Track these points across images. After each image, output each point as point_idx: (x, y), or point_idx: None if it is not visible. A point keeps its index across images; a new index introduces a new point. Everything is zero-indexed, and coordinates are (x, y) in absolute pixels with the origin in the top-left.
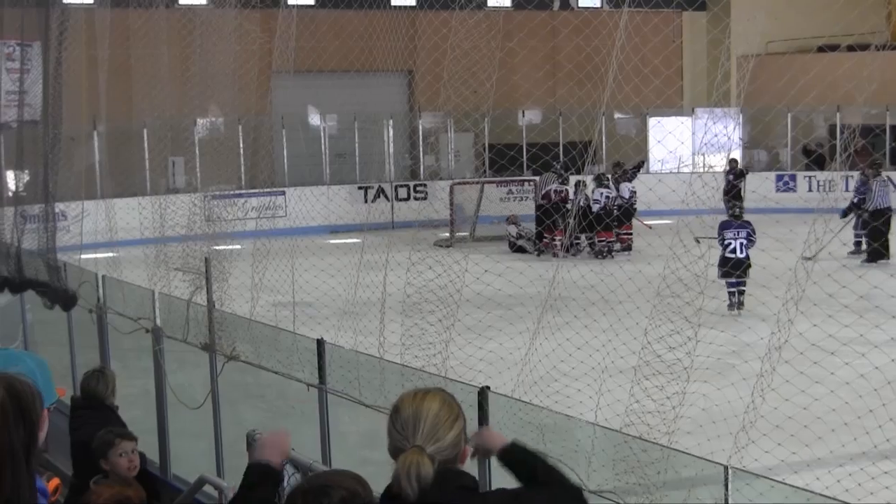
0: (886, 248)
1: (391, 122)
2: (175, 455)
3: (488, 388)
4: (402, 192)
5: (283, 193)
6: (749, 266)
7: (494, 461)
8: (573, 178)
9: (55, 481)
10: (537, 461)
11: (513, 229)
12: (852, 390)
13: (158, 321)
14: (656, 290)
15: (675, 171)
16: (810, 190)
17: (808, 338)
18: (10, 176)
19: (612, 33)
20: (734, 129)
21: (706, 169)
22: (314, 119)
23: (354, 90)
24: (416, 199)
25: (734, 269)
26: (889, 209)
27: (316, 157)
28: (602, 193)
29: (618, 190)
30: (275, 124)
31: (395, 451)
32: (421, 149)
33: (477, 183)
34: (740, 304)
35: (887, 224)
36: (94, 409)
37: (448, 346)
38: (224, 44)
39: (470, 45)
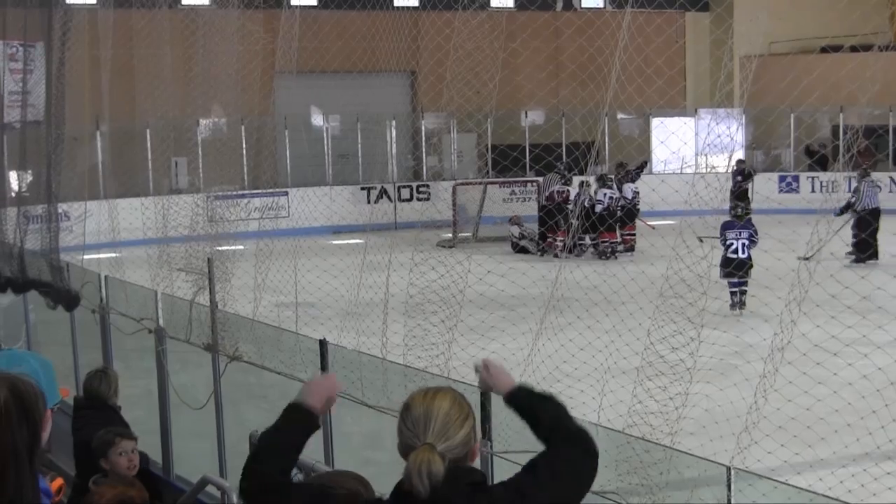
0: (875, 247)
1: (394, 122)
2: (178, 455)
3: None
4: (405, 193)
5: (286, 194)
6: (751, 266)
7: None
8: (576, 179)
9: (59, 481)
10: (543, 407)
11: (515, 230)
12: (855, 391)
13: (161, 322)
14: (659, 291)
15: (678, 171)
16: (813, 191)
17: (810, 339)
18: (13, 176)
19: (615, 34)
20: (737, 129)
21: (709, 169)
22: (317, 119)
23: (357, 91)
24: (418, 199)
25: (736, 270)
26: (876, 210)
27: (319, 158)
28: (605, 194)
29: (621, 191)
30: (277, 125)
31: (406, 450)
32: (424, 149)
33: (480, 183)
34: (742, 304)
35: (871, 225)
36: (96, 410)
37: (451, 347)
38: (227, 44)
39: (473, 45)
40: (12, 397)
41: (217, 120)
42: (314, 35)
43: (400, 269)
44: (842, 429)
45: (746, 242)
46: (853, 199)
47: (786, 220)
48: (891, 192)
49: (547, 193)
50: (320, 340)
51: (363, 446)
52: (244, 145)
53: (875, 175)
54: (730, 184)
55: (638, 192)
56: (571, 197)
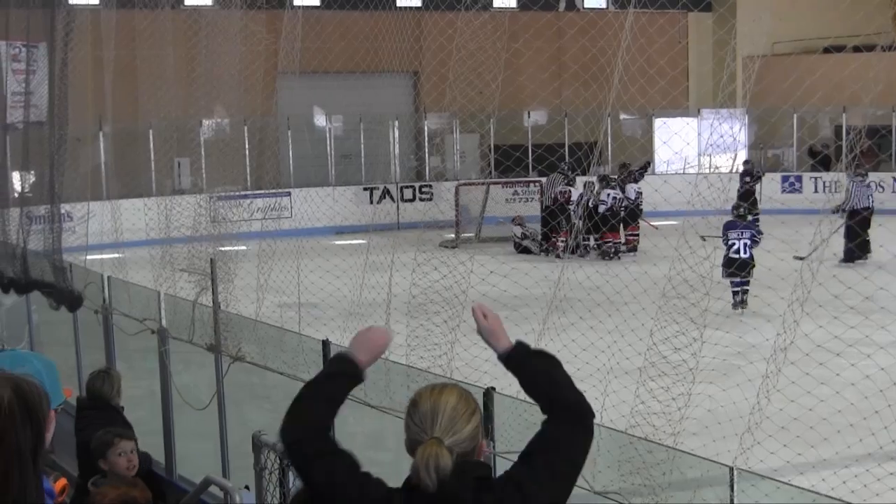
0: (864, 247)
1: (397, 122)
2: (180, 456)
3: (493, 388)
4: (408, 193)
5: (289, 194)
6: (753, 266)
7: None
8: (580, 180)
9: (62, 482)
10: (543, 370)
11: (518, 230)
12: (858, 392)
13: (164, 322)
14: (662, 292)
15: (681, 172)
16: (816, 191)
17: (813, 339)
18: (16, 177)
19: (618, 34)
20: (740, 129)
21: (712, 170)
22: (320, 120)
23: (360, 91)
24: (421, 200)
25: (738, 270)
26: (866, 209)
27: (321, 158)
28: (609, 194)
29: (624, 191)
30: (280, 125)
31: (413, 445)
32: (426, 150)
33: (482, 184)
34: (744, 303)
35: (864, 224)
36: (99, 410)
37: (453, 348)
38: (230, 45)
39: (475, 46)
40: (16, 398)
41: (220, 120)
42: (317, 35)
43: (403, 270)
44: (844, 429)
45: (748, 242)
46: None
47: (789, 220)
48: (893, 192)
49: (553, 194)
50: (323, 341)
51: (366, 446)
52: (247, 146)
53: (879, 175)
54: (733, 185)
55: (641, 193)
56: (573, 197)
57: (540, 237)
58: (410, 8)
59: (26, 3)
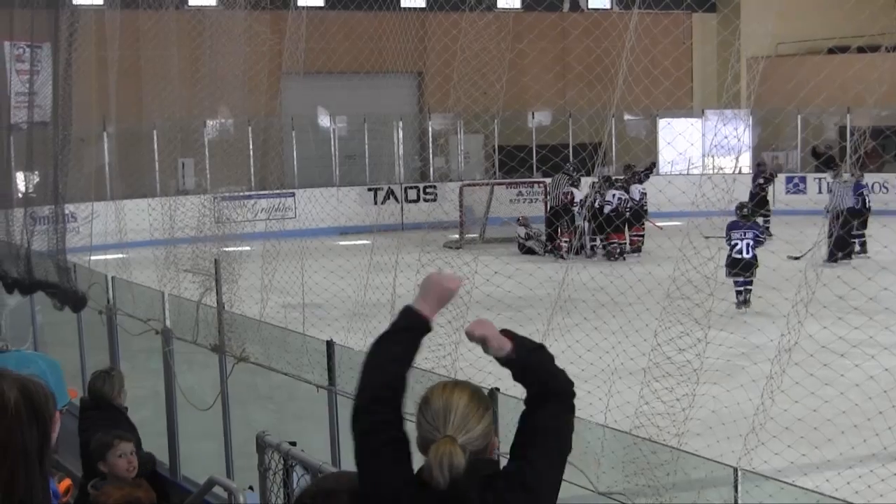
0: (848, 247)
1: (401, 123)
2: (184, 456)
3: (497, 389)
4: (412, 194)
5: (293, 195)
6: (756, 266)
7: None
8: (585, 180)
9: (66, 482)
10: (534, 364)
11: (522, 231)
12: (862, 392)
13: (168, 323)
14: (666, 292)
15: (685, 172)
16: (820, 192)
17: (817, 340)
18: (20, 177)
19: (622, 35)
20: (744, 130)
21: (716, 171)
22: (324, 120)
23: (364, 91)
24: (425, 200)
25: (741, 271)
26: (850, 210)
27: (325, 159)
28: (614, 195)
29: (628, 192)
30: (284, 126)
31: (425, 443)
32: (431, 150)
33: (487, 184)
34: (747, 303)
35: (846, 225)
36: (101, 410)
37: (458, 348)
38: (234, 45)
39: (480, 46)
40: (23, 398)
41: (224, 121)
42: (321, 36)
43: (407, 270)
44: (849, 430)
45: (751, 242)
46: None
47: (793, 221)
48: None
49: (561, 196)
50: (327, 341)
51: None
52: (251, 146)
53: (883, 176)
54: (737, 186)
55: (645, 194)
56: (576, 198)
57: (544, 238)
58: (415, 8)
59: (30, 4)
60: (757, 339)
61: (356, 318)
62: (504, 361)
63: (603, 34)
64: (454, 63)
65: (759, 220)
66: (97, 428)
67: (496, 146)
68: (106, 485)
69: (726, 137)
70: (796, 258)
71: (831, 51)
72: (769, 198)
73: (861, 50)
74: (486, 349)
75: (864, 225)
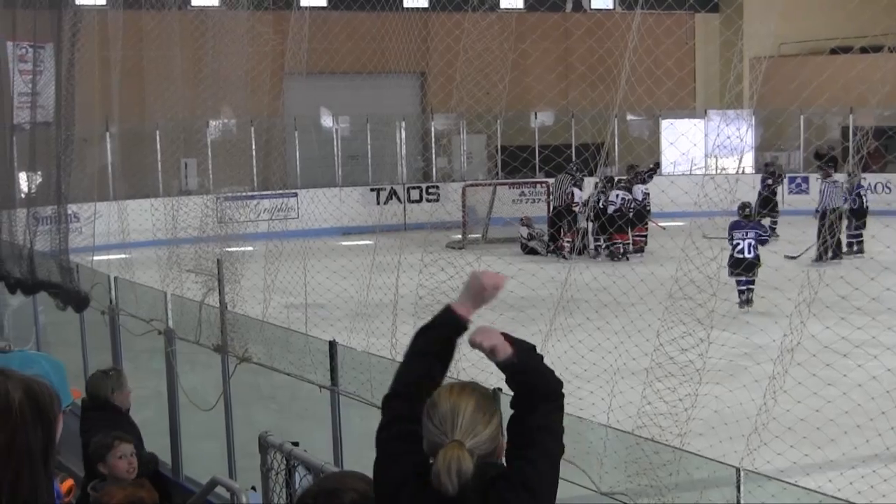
0: (837, 246)
1: (403, 123)
2: (187, 456)
3: (500, 389)
4: (415, 194)
5: (296, 195)
6: (759, 266)
7: None
8: (588, 180)
9: (69, 482)
10: (531, 369)
11: (524, 231)
12: (864, 392)
13: (171, 323)
14: (669, 293)
15: (688, 173)
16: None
17: (820, 340)
18: (22, 177)
19: (625, 35)
20: (746, 131)
21: (719, 171)
22: (326, 121)
23: (367, 92)
24: (428, 200)
25: (744, 271)
26: (839, 210)
27: (328, 159)
28: (618, 195)
29: (631, 192)
30: (287, 126)
31: (433, 447)
32: (433, 150)
33: (489, 185)
34: (749, 302)
35: (836, 224)
36: (100, 411)
37: (460, 348)
38: (236, 45)
39: (482, 46)
40: (27, 399)
41: (227, 121)
42: (324, 36)
43: (409, 271)
44: (851, 430)
45: (753, 242)
46: (845, 199)
47: (795, 221)
48: None
49: (564, 196)
50: (330, 342)
51: (372, 448)
52: (254, 146)
53: (886, 177)
54: (740, 186)
55: (648, 194)
56: (576, 198)
57: (547, 238)
58: (417, 9)
59: (33, 4)
60: (759, 339)
61: (359, 319)
62: (503, 365)
63: (606, 34)
64: (457, 63)
65: (767, 220)
66: (96, 429)
67: (499, 146)
68: (108, 485)
69: (729, 138)
70: (793, 258)
71: (834, 51)
72: (778, 199)
73: (864, 50)
74: (493, 357)
75: (862, 225)
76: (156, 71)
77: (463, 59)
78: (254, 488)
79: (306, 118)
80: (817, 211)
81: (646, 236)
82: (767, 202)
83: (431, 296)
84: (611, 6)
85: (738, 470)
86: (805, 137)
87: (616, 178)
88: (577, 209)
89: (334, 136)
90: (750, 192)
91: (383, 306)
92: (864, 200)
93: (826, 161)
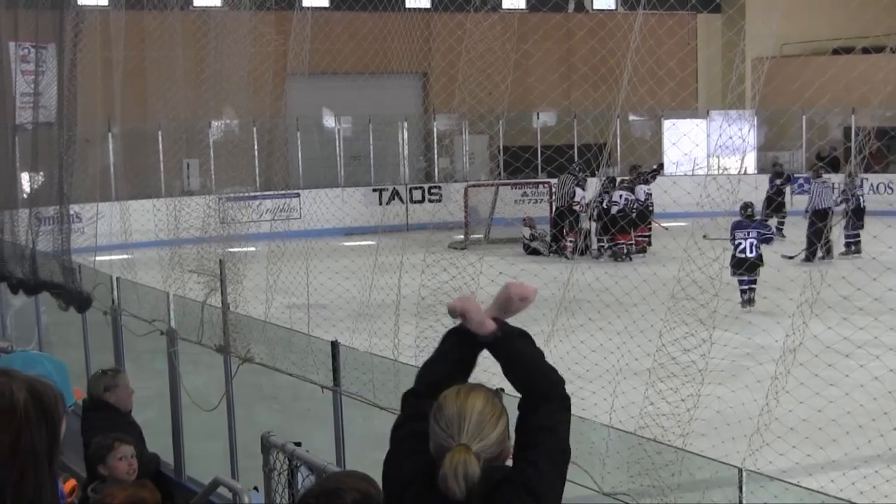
0: (829, 247)
1: (406, 124)
2: (189, 457)
3: (502, 389)
4: (417, 195)
5: (298, 195)
6: (761, 265)
7: None
8: (592, 181)
9: (71, 483)
10: (521, 353)
11: (527, 231)
12: (867, 393)
13: (173, 323)
14: (671, 293)
15: (690, 173)
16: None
17: (822, 340)
18: (24, 178)
19: (627, 36)
20: (749, 131)
21: (721, 171)
22: (329, 121)
23: (369, 92)
24: (430, 201)
25: (746, 271)
26: (828, 210)
27: (330, 160)
28: (622, 196)
29: (633, 192)
30: (289, 126)
31: (439, 450)
32: (435, 151)
33: (491, 185)
34: (751, 302)
35: (826, 224)
36: (99, 411)
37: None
38: (239, 46)
39: (485, 47)
40: (31, 399)
41: (229, 121)
42: (326, 36)
43: (412, 271)
44: (853, 430)
45: (755, 242)
46: (839, 200)
47: (798, 220)
48: None
49: (566, 196)
50: (332, 342)
51: (374, 448)
52: (256, 147)
53: (888, 177)
54: (742, 186)
55: (650, 194)
56: (578, 197)
57: (549, 238)
58: (419, 9)
59: (35, 4)
60: (762, 339)
61: (361, 319)
62: (491, 346)
63: (608, 35)
64: (459, 64)
65: (774, 220)
66: (96, 429)
67: (501, 147)
68: (102, 490)
69: (731, 138)
70: (790, 257)
71: (836, 51)
72: (785, 199)
73: (866, 51)
74: (467, 324)
75: (860, 226)
76: (158, 71)
77: (465, 60)
78: (256, 489)
79: (309, 118)
80: (807, 211)
81: (648, 236)
82: (772, 201)
83: (434, 296)
84: (613, 7)
85: (740, 470)
86: (807, 138)
87: (619, 179)
88: (577, 208)
89: (337, 136)
90: (752, 193)
91: (385, 307)
92: (862, 201)
93: (828, 161)
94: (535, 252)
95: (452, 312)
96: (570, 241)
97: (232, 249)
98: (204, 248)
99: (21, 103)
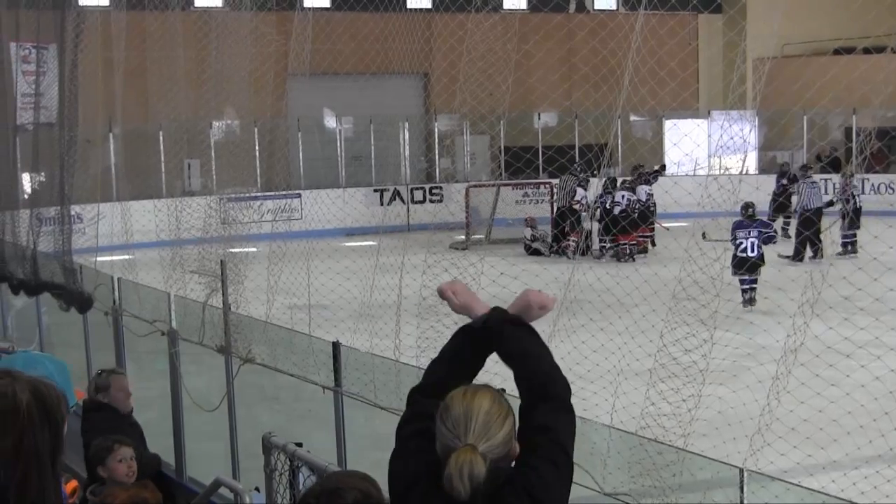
0: (816, 246)
1: (407, 124)
2: (191, 457)
3: (504, 390)
4: (418, 195)
5: (299, 196)
6: (762, 265)
7: None
8: (593, 181)
9: (73, 483)
10: (515, 341)
11: (528, 232)
12: (868, 393)
13: (174, 324)
14: (672, 293)
15: (691, 173)
16: (826, 193)
17: (823, 340)
18: (26, 178)
19: (628, 36)
20: (750, 131)
21: (722, 172)
22: (330, 121)
23: (370, 92)
24: (431, 201)
25: (748, 271)
26: (818, 210)
27: (332, 160)
28: (624, 196)
29: (634, 192)
30: (290, 127)
31: (446, 451)
32: (437, 151)
33: (492, 185)
34: (752, 301)
35: (814, 224)
36: (100, 412)
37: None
38: (240, 46)
39: (486, 47)
40: (35, 400)
41: (230, 122)
42: (327, 37)
43: (413, 271)
44: (854, 431)
45: (756, 241)
46: (835, 200)
47: None
48: None
49: (568, 197)
50: (333, 342)
51: (375, 448)
52: (257, 147)
53: (889, 177)
54: (743, 186)
55: (652, 195)
56: (578, 196)
57: (550, 239)
58: (421, 9)
59: (36, 5)
60: (763, 339)
61: (362, 319)
62: (487, 336)
63: (609, 35)
64: (460, 64)
65: (780, 221)
66: (95, 429)
67: (502, 147)
68: (102, 492)
69: (732, 138)
70: (788, 257)
71: (837, 52)
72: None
73: (867, 51)
74: (455, 309)
75: (856, 226)
76: (159, 72)
77: (466, 60)
78: (257, 489)
79: (310, 119)
80: (794, 211)
81: (650, 237)
82: (775, 201)
83: (435, 297)
84: (614, 7)
85: (741, 470)
86: (808, 138)
87: (620, 179)
88: (578, 207)
89: (338, 136)
90: (753, 193)
91: (387, 307)
92: (858, 201)
93: (829, 162)
94: (536, 252)
95: (441, 293)
96: (574, 241)
97: (233, 250)
98: (205, 249)
99: (22, 104)
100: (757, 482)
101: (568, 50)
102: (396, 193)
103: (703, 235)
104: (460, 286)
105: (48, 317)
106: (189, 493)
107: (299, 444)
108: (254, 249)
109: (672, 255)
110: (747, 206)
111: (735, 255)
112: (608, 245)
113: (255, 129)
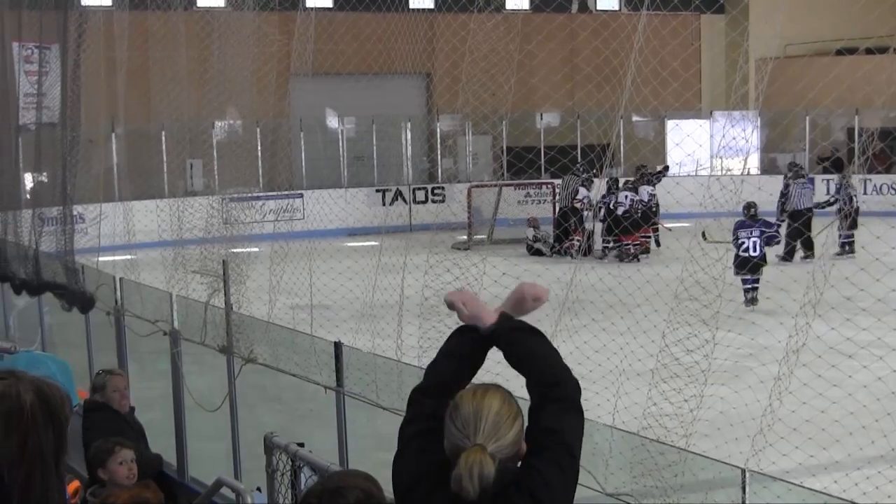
0: (809, 246)
1: (409, 124)
2: (192, 457)
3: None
4: (420, 195)
5: (301, 196)
6: (764, 264)
7: None
8: (596, 181)
9: (75, 483)
10: (524, 345)
11: (530, 232)
12: (870, 393)
13: (176, 324)
14: (674, 294)
15: (693, 174)
16: (828, 193)
17: (825, 341)
18: (28, 178)
19: (631, 36)
20: (752, 132)
21: (724, 172)
22: (332, 121)
23: (373, 92)
24: (433, 201)
25: (750, 271)
26: (809, 210)
27: (334, 160)
28: (627, 196)
29: (637, 192)
30: (293, 127)
31: (454, 450)
32: (439, 151)
33: (495, 185)
34: (754, 300)
35: (807, 224)
36: (101, 412)
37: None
38: (242, 46)
39: (488, 47)
40: (38, 400)
41: (232, 122)
42: (329, 37)
43: (415, 272)
44: (856, 431)
45: (758, 241)
46: (832, 200)
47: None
48: None
49: (570, 197)
50: (335, 342)
51: (377, 448)
52: (259, 147)
53: (891, 178)
54: (745, 187)
55: (654, 195)
56: (580, 195)
57: (552, 239)
58: (423, 10)
59: (39, 5)
60: (765, 340)
61: (364, 320)
62: (494, 340)
63: (611, 35)
64: (462, 64)
65: (786, 221)
66: (96, 430)
67: (504, 147)
68: (102, 494)
69: (734, 139)
70: (779, 256)
71: (840, 52)
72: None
73: (869, 51)
74: (459, 316)
75: (853, 225)
76: (161, 72)
77: (469, 60)
78: (259, 489)
79: (312, 119)
80: (785, 211)
81: (650, 237)
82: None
83: (437, 297)
84: (616, 7)
85: (743, 471)
86: (810, 138)
87: (622, 180)
88: (579, 206)
89: (340, 136)
90: (755, 193)
91: (389, 307)
92: (856, 201)
93: (831, 162)
94: (538, 253)
95: (449, 305)
96: (577, 240)
97: (235, 250)
98: (207, 249)
99: (24, 104)
100: (759, 482)
101: (570, 50)
102: (398, 193)
103: (703, 236)
104: (469, 296)
105: (50, 317)
106: (191, 493)
107: (301, 445)
108: (256, 249)
109: (674, 256)
110: (749, 206)
111: (737, 256)
112: (611, 245)
113: (258, 129)
